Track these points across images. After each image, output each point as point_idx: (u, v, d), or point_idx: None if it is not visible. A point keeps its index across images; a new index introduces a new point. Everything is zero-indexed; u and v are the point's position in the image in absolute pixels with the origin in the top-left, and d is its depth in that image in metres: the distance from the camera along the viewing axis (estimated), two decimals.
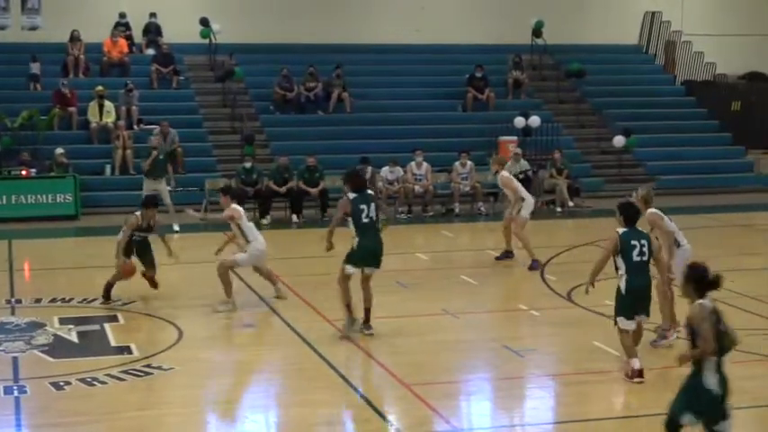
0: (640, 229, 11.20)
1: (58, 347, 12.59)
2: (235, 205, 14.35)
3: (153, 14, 29.73)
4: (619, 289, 11.02)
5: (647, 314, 11.22)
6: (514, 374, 11.50)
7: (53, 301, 15.04)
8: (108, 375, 11.33)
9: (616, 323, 11.13)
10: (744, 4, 35.45)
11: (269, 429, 10.35)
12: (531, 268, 16.94)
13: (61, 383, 11.04)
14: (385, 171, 24.03)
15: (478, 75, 29.24)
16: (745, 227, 22.45)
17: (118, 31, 29.00)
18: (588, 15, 33.22)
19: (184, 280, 16.30)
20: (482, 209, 24.12)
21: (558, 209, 24.65)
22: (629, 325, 11.06)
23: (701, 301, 7.81)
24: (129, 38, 29.35)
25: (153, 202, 15.31)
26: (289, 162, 23.58)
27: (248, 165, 23.51)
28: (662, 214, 12.37)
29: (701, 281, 7.85)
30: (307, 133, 27.23)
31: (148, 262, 15.11)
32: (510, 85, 30.07)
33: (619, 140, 27.16)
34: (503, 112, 27.87)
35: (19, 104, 25.96)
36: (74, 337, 13.09)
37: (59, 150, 23.90)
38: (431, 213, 24.22)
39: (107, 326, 13.55)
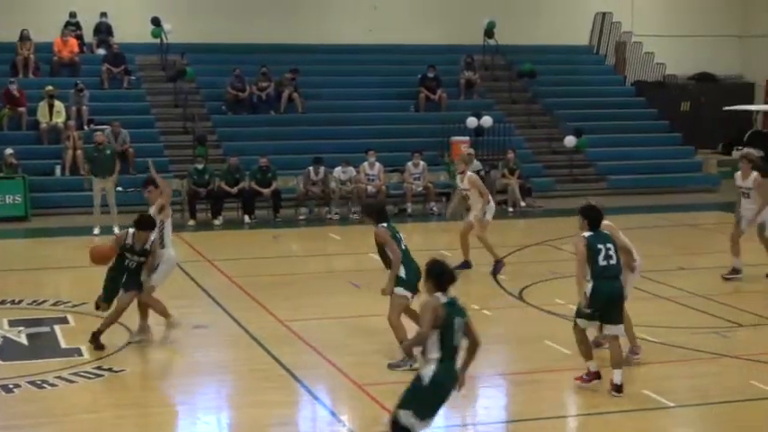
0: (605, 232, 10.79)
1: (8, 350, 12.48)
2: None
3: (104, 14, 29.46)
4: (584, 294, 10.57)
5: (617, 322, 10.71)
6: (467, 373, 11.52)
7: (2, 303, 14.87)
8: (58, 378, 11.25)
9: (576, 324, 10.84)
10: (694, 6, 35.86)
11: (221, 431, 10.33)
12: (495, 271, 16.63)
13: (10, 386, 10.94)
14: (338, 171, 24.00)
15: (431, 75, 29.28)
16: (694, 226, 22.68)
17: (68, 30, 28.73)
18: (540, 16, 33.34)
19: None
20: (434, 209, 24.15)
21: (510, 209, 24.72)
22: (588, 325, 10.76)
23: (437, 293, 8.05)
24: (79, 37, 29.06)
25: (147, 223, 12.52)
26: (239, 162, 23.50)
27: (200, 165, 23.38)
28: None
29: (440, 276, 8.14)
30: (259, 133, 27.14)
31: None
32: (462, 86, 30.13)
33: (570, 140, 27.30)
34: (455, 113, 27.91)
35: None
36: (23, 340, 12.97)
37: (8, 151, 23.58)
38: None
39: (57, 328, 13.43)
